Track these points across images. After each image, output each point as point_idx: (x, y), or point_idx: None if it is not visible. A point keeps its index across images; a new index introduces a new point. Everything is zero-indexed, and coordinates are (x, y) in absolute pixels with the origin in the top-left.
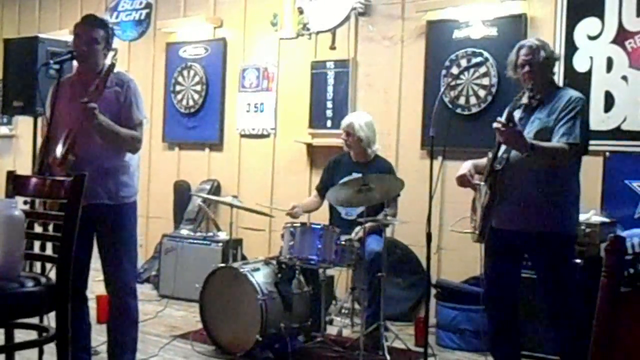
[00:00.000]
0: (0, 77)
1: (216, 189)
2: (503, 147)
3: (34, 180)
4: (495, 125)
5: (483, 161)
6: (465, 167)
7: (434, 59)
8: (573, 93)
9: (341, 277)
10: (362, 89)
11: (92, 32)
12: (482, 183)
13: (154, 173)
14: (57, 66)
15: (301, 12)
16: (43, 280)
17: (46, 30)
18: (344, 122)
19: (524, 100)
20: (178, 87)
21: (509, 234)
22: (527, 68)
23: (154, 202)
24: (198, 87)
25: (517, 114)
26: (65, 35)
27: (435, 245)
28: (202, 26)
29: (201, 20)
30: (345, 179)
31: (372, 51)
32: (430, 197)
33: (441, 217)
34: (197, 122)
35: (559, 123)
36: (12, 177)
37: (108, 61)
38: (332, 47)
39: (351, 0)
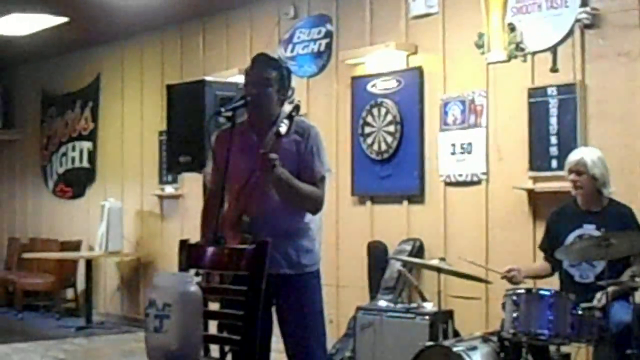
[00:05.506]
0: (164, 128)
1: (418, 250)
2: None
3: (210, 249)
4: None
5: None
6: None
7: None
8: None
9: (579, 356)
10: (594, 119)
11: (263, 72)
12: None
13: (342, 233)
14: (229, 113)
15: (513, 29)
16: None
17: (212, 71)
18: (571, 159)
19: None
20: (367, 129)
21: None
22: None
23: (345, 268)
24: (391, 128)
25: None
26: (234, 75)
27: None
28: (392, 54)
29: (391, 47)
30: (575, 234)
31: (604, 71)
32: None
33: None
34: (392, 170)
35: None
36: (185, 246)
37: (286, 108)
38: (554, 69)
39: (574, 10)
